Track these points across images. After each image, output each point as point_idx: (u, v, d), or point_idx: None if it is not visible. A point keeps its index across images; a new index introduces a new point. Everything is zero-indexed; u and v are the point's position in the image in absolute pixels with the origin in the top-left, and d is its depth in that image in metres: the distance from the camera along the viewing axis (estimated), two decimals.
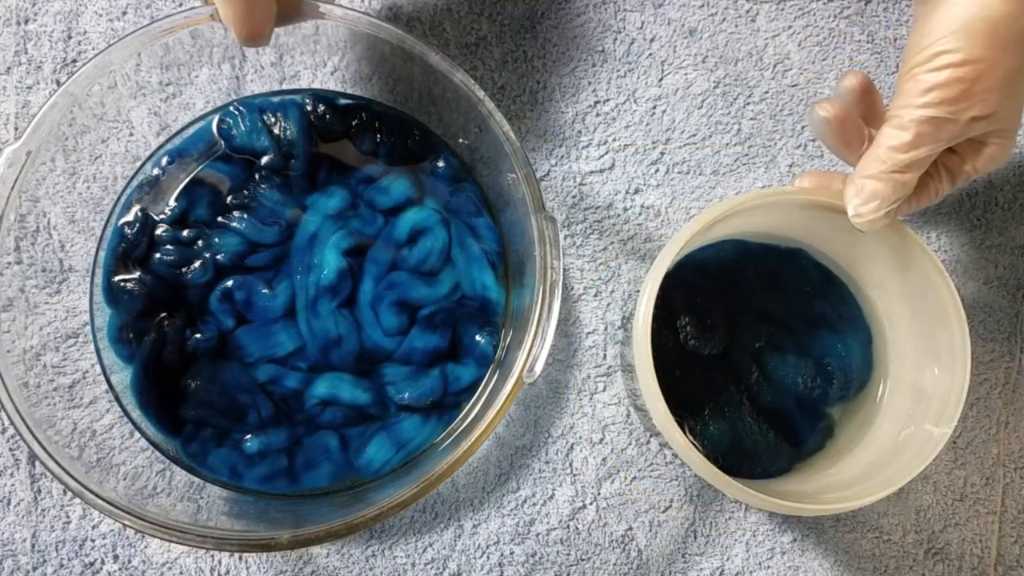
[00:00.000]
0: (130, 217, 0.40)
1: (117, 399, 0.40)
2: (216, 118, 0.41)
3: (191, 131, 0.42)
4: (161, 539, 0.36)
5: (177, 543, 0.35)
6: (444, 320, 0.41)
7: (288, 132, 0.41)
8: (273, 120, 0.41)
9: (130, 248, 0.40)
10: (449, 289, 0.42)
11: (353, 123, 0.41)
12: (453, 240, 0.42)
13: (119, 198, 0.41)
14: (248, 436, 0.40)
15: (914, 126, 0.34)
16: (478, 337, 0.41)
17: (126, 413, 0.40)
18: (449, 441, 0.41)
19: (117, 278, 0.40)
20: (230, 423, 0.40)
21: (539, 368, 0.36)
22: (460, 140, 0.43)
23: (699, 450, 0.37)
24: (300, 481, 0.40)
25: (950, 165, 0.37)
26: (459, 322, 0.42)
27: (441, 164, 0.42)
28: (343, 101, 0.42)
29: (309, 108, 0.41)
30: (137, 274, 0.40)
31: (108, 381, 0.40)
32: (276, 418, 0.40)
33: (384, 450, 0.40)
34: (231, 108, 0.41)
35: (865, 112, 0.38)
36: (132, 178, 0.41)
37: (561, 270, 0.37)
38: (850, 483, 0.39)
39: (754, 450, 0.42)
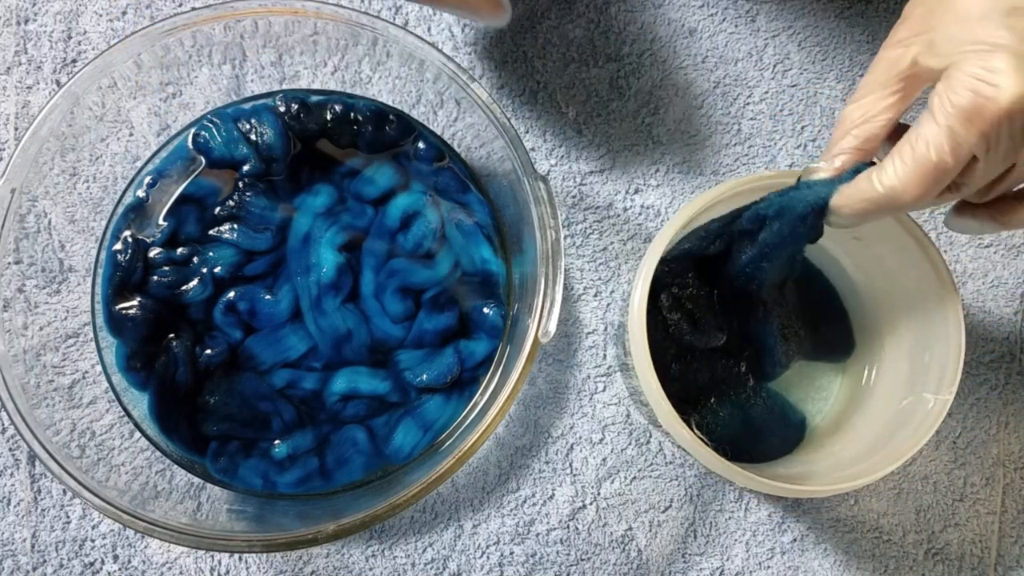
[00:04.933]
0: (120, 245, 0.40)
1: (117, 399, 0.40)
2: (191, 133, 0.41)
3: (169, 149, 0.42)
4: (164, 540, 0.36)
5: (186, 546, 0.35)
6: (449, 299, 0.42)
7: (265, 137, 0.41)
8: (248, 127, 0.41)
9: (126, 275, 0.40)
10: (449, 268, 0.42)
11: (328, 118, 0.42)
12: (445, 219, 0.42)
13: (108, 223, 0.41)
14: (275, 443, 0.40)
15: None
16: (485, 310, 0.42)
17: (127, 413, 0.40)
18: (475, 414, 0.41)
19: (118, 307, 0.40)
20: (255, 433, 0.40)
21: (553, 327, 0.36)
22: (440, 119, 0.43)
23: (707, 444, 0.37)
24: (333, 478, 0.41)
25: None
26: (464, 299, 0.42)
27: (422, 146, 0.43)
28: (315, 98, 0.42)
29: (283, 110, 0.41)
30: (137, 300, 0.40)
31: (108, 381, 0.40)
32: (300, 421, 0.41)
33: (412, 434, 0.41)
34: (205, 121, 0.41)
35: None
36: (117, 204, 0.41)
37: (560, 228, 0.37)
38: (857, 459, 0.39)
39: (764, 426, 0.42)
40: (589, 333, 0.45)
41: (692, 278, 0.41)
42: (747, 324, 0.42)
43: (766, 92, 0.47)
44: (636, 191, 0.46)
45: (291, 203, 0.41)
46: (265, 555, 0.43)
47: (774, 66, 0.47)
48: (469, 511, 0.44)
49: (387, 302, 0.41)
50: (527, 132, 0.46)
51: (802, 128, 0.47)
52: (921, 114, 0.30)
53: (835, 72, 0.48)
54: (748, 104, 0.47)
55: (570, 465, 0.44)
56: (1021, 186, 0.32)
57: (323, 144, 0.42)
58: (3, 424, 0.43)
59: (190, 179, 0.41)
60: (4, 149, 0.44)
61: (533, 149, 0.46)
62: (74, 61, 0.44)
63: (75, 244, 0.41)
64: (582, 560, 0.44)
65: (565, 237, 0.46)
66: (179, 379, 0.40)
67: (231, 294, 0.40)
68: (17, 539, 0.42)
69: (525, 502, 0.44)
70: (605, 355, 0.45)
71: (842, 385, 0.44)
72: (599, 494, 0.44)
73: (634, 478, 0.45)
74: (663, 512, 0.45)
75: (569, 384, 0.45)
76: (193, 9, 0.38)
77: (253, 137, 0.41)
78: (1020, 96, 0.27)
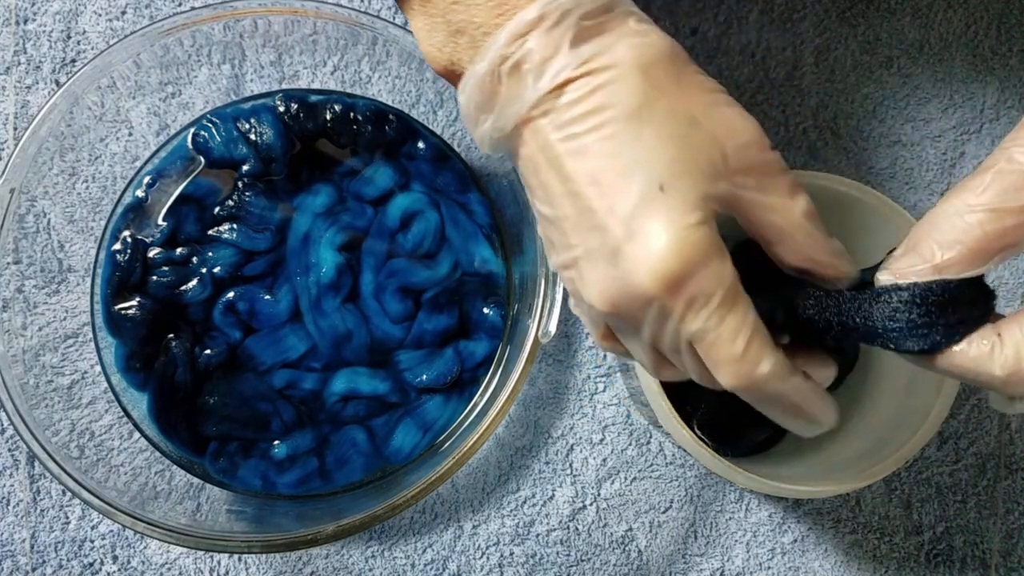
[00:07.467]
0: (119, 245, 0.40)
1: (117, 399, 0.40)
2: (190, 133, 0.41)
3: (168, 149, 0.42)
4: (164, 541, 0.36)
5: (186, 547, 0.35)
6: (448, 299, 0.42)
7: (265, 136, 0.41)
8: (248, 127, 0.41)
9: (125, 275, 0.40)
10: (449, 269, 0.42)
11: (328, 118, 0.42)
12: (445, 219, 0.42)
13: (108, 223, 0.41)
14: (275, 443, 0.40)
15: None
16: (485, 310, 0.42)
17: (126, 413, 0.40)
18: (475, 415, 0.41)
19: (117, 307, 0.40)
20: (254, 433, 0.40)
21: (553, 328, 0.37)
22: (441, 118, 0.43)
23: (707, 444, 0.37)
24: (333, 479, 0.41)
25: None
26: (464, 299, 0.42)
27: (422, 146, 0.43)
28: (314, 98, 0.42)
29: (282, 110, 0.41)
30: (136, 300, 0.40)
31: (108, 381, 0.40)
32: (299, 421, 0.41)
33: (411, 435, 0.41)
34: (204, 121, 0.41)
35: None
36: (116, 204, 0.41)
37: None
38: (857, 459, 0.39)
39: (765, 426, 0.41)
40: (589, 333, 0.45)
41: None
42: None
43: (768, 92, 0.47)
44: None
45: (291, 203, 0.41)
46: (265, 556, 0.43)
47: (775, 66, 0.47)
48: (469, 512, 0.44)
49: (387, 302, 0.41)
50: None
51: (803, 131, 0.47)
52: None
53: (836, 72, 0.47)
54: (751, 105, 0.47)
55: (570, 465, 0.44)
56: None
57: (323, 144, 0.42)
58: (3, 424, 0.42)
59: (189, 179, 0.41)
60: (3, 149, 0.44)
61: None
62: (73, 61, 0.44)
63: (74, 244, 0.41)
64: (582, 561, 0.44)
65: None
66: (178, 379, 0.40)
67: (230, 294, 0.40)
68: (16, 539, 0.42)
69: (525, 503, 0.44)
70: (605, 355, 0.45)
71: (842, 385, 0.44)
72: (599, 495, 0.44)
73: (634, 479, 0.45)
74: (663, 513, 0.45)
75: (569, 384, 0.45)
76: (193, 9, 0.38)
77: (253, 137, 0.41)
78: None
